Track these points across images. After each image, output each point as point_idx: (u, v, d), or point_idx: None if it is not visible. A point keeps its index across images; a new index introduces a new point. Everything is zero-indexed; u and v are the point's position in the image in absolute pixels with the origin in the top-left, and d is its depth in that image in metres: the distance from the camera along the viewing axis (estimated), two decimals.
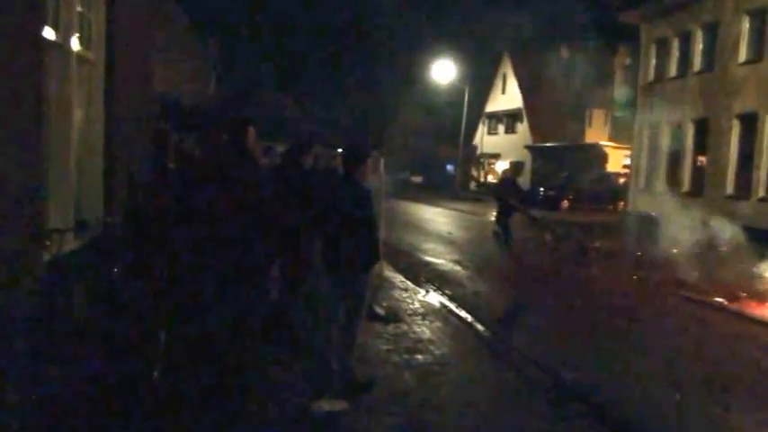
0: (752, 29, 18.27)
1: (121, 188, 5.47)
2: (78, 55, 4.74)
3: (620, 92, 28.85)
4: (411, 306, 7.78)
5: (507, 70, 41.98)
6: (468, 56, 38.62)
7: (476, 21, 40.75)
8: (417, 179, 50.13)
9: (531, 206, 15.46)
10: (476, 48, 40.17)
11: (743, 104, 18.16)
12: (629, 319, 8.07)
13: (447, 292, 8.96)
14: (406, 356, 5.76)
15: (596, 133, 35.92)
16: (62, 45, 4.44)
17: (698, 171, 20.43)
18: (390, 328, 6.65)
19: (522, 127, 40.51)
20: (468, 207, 27.19)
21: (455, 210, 26.05)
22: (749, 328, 7.82)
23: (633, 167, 24.11)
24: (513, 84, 41.21)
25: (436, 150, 47.52)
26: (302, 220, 5.39)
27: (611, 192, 28.04)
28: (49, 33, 4.18)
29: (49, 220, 4.21)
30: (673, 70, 21.78)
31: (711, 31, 19.82)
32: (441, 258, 12.33)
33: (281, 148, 7.80)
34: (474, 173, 44.85)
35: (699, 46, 20.49)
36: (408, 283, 9.18)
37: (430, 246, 14.29)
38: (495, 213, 11.76)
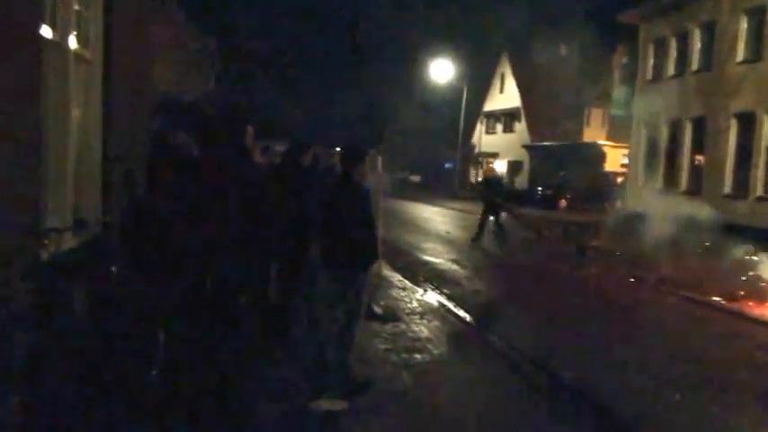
0: (749, 28, 18.32)
1: (120, 187, 5.45)
2: (76, 54, 4.72)
3: (619, 91, 28.94)
4: (409, 305, 7.78)
5: (505, 69, 42.03)
6: (467, 55, 38.72)
7: (474, 20, 40.78)
8: (416, 178, 50.21)
9: (523, 205, 15.59)
10: (474, 47, 40.26)
11: (740, 104, 18.20)
12: (628, 318, 8.08)
13: (445, 291, 8.96)
14: (404, 356, 5.76)
15: (594, 132, 35.95)
16: (60, 44, 4.42)
17: (696, 170, 20.47)
18: (389, 327, 6.65)
19: (521, 126, 40.55)
20: (466, 206, 27.16)
21: (453, 209, 26.05)
22: (748, 327, 7.83)
23: (631, 166, 24.14)
24: (511, 83, 41.25)
25: (435, 150, 47.54)
26: (301, 220, 5.38)
27: (609, 191, 28.07)
28: (46, 32, 4.17)
29: (48, 219, 4.20)
30: (671, 69, 21.82)
31: (709, 31, 19.86)
32: (439, 257, 12.33)
33: (279, 148, 7.79)
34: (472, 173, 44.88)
35: (697, 45, 20.54)
36: (407, 282, 9.17)
37: (428, 245, 14.30)
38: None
